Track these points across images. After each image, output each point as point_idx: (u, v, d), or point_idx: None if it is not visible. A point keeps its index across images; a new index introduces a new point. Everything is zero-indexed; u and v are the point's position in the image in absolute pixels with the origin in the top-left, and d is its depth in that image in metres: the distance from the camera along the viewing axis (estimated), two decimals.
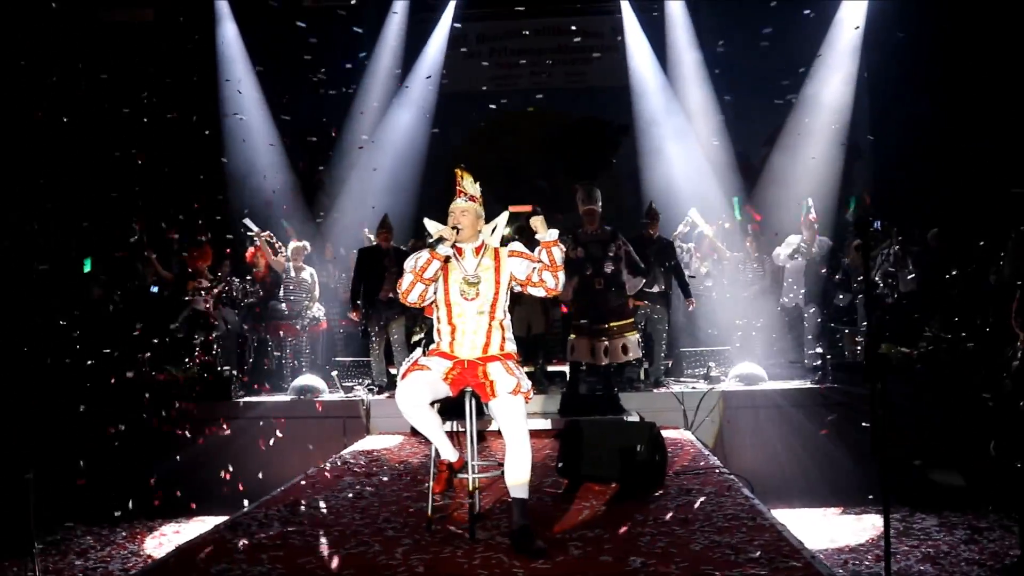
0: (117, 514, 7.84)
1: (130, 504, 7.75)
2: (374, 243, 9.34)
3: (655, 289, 8.94)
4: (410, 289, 4.45)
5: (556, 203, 9.41)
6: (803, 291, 9.33)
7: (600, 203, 8.23)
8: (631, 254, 8.27)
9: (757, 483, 6.26)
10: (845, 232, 10.02)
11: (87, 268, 9.42)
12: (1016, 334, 5.81)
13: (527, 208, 4.65)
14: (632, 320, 8.37)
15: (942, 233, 9.31)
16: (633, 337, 8.23)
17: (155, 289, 9.57)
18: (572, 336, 8.26)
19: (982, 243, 8.98)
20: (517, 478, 4.30)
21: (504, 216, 4.79)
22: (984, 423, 6.42)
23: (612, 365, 8.25)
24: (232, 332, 9.73)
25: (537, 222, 4.50)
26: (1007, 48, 9.87)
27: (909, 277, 9.03)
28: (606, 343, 8.08)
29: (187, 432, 8.05)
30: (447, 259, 4.47)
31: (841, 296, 9.31)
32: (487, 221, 4.73)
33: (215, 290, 9.40)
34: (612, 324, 8.11)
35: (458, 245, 4.55)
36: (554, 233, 4.51)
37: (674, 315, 9.38)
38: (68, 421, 7.96)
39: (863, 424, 6.49)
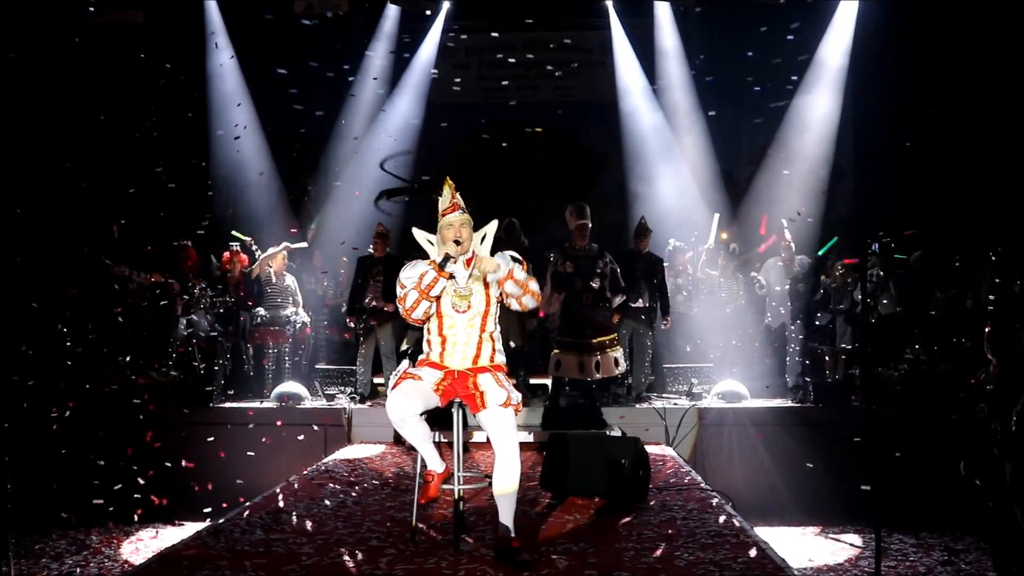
0: (93, 517, 7.77)
1: (109, 508, 7.67)
2: (369, 251, 9.29)
3: (640, 304, 8.94)
4: (415, 306, 4.36)
5: (542, 217, 9.42)
6: (788, 309, 9.39)
7: (590, 219, 8.26)
8: (616, 273, 8.30)
9: (736, 500, 6.30)
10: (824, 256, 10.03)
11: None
12: (989, 359, 5.89)
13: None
14: (615, 335, 8.39)
15: (925, 256, 9.40)
16: (619, 352, 8.24)
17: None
18: (557, 351, 8.18)
19: (957, 264, 9.09)
20: (505, 489, 4.29)
21: (493, 225, 4.69)
22: (958, 444, 6.50)
23: (597, 380, 8.23)
24: (209, 338, 9.59)
25: (484, 265, 4.33)
26: (992, 70, 10.02)
27: (884, 301, 9.10)
28: (597, 357, 8.04)
29: (167, 437, 7.98)
30: (451, 276, 4.44)
31: (820, 315, 9.37)
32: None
33: (189, 294, 9.30)
34: (601, 339, 8.11)
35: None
36: (503, 265, 4.34)
37: (657, 331, 9.39)
38: (45, 422, 7.87)
39: (855, 440, 6.55)
